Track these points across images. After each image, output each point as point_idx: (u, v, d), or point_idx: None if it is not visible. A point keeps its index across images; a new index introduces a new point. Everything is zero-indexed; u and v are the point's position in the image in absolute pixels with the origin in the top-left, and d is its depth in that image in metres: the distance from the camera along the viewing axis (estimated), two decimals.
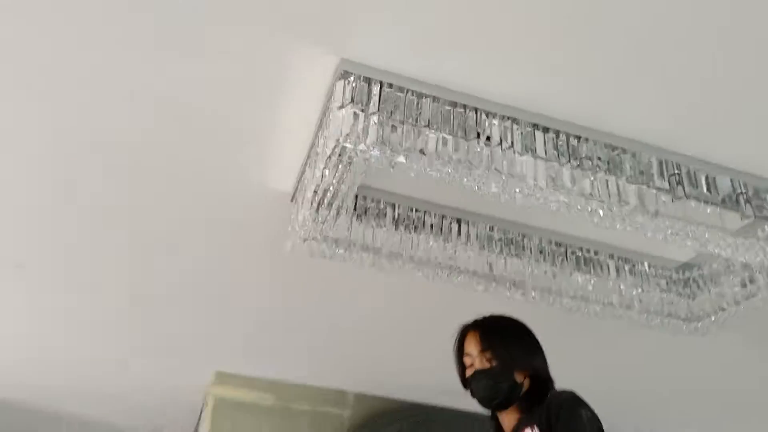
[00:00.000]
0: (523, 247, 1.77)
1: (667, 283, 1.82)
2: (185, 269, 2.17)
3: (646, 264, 1.83)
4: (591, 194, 1.33)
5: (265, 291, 2.31)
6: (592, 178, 1.34)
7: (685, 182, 1.46)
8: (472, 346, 1.50)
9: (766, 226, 1.57)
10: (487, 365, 1.46)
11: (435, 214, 1.71)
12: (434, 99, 1.31)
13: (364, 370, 3.11)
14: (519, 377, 1.45)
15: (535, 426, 1.36)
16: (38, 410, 3.73)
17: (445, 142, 1.28)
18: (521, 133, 1.31)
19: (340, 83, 1.26)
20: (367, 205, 1.64)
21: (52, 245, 2.07)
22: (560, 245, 1.80)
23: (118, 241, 2.01)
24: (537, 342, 1.53)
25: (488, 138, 1.27)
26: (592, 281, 1.79)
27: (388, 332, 2.52)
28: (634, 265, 1.83)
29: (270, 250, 1.81)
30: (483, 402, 1.49)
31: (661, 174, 1.45)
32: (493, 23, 1.15)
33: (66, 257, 2.14)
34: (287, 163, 1.57)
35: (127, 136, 1.54)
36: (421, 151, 1.23)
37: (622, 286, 1.80)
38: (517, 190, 1.31)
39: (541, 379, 1.46)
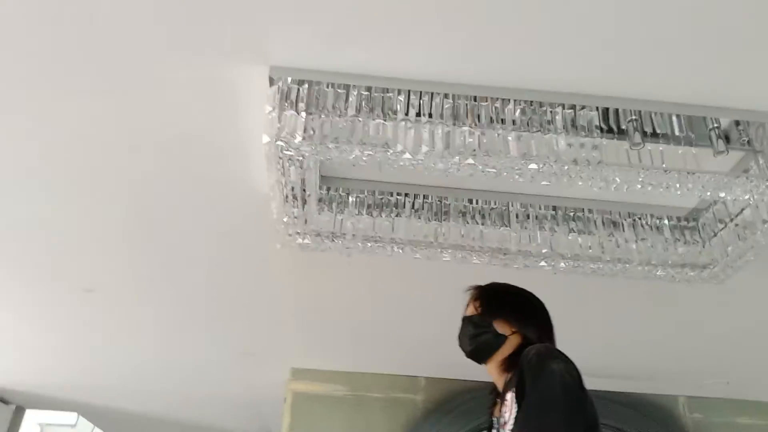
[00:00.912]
0: (529, 216, 1.78)
1: (677, 232, 1.74)
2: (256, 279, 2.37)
3: (648, 216, 1.77)
4: (535, 155, 1.33)
5: (327, 290, 2.45)
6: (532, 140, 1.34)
7: (648, 127, 1.42)
8: (470, 299, 1.54)
9: (759, 159, 1.49)
10: (472, 312, 1.50)
11: (429, 196, 1.76)
12: (364, 88, 1.37)
13: (434, 355, 3.16)
14: (502, 329, 1.45)
15: (513, 389, 1.29)
16: (142, 415, 4.15)
17: (378, 128, 1.35)
18: (451, 106, 1.34)
19: (273, 89, 1.35)
20: (349, 196, 1.72)
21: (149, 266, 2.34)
22: (555, 209, 1.79)
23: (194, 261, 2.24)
24: (539, 310, 1.51)
25: (417, 114, 1.32)
26: (602, 241, 1.75)
27: (452, 315, 2.55)
28: (639, 219, 1.77)
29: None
30: (464, 351, 1.49)
31: (616, 123, 1.42)
32: (394, 5, 1.19)
33: (152, 278, 2.42)
34: None
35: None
36: (348, 140, 1.30)
37: (632, 243, 1.74)
38: (455, 160, 1.34)
39: (532, 343, 1.39)
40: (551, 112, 1.37)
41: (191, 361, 3.38)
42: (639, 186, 1.39)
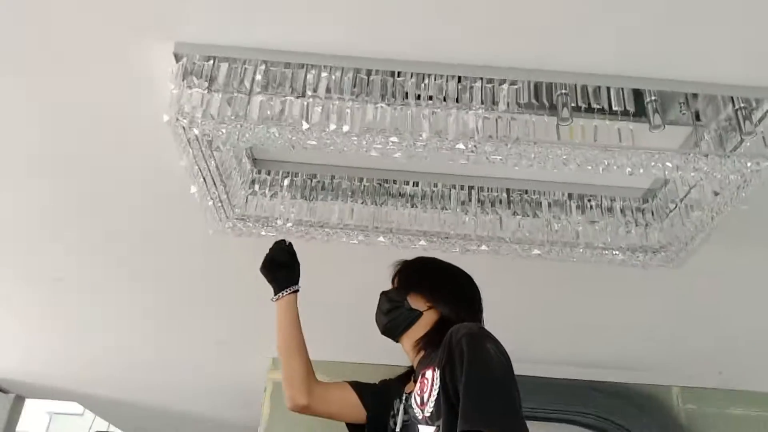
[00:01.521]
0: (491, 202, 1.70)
1: (628, 214, 1.65)
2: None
3: (601, 197, 1.68)
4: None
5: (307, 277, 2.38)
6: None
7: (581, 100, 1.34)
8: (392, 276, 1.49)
9: (704, 134, 1.39)
10: (390, 287, 1.46)
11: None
12: (269, 64, 1.31)
13: None
14: (416, 303, 1.38)
15: (435, 368, 1.21)
16: (135, 405, 4.18)
17: (285, 105, 1.28)
18: (351, 80, 1.27)
19: (177, 66, 1.30)
20: (284, 179, 1.66)
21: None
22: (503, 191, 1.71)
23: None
24: (463, 287, 1.43)
25: (314, 90, 1.25)
26: (553, 223, 1.67)
27: None
28: (588, 200, 1.68)
29: None
30: (378, 326, 1.44)
31: (548, 98, 1.33)
32: None
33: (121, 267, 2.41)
34: None
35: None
36: (244, 116, 1.24)
37: (578, 225, 1.66)
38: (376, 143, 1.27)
39: (451, 321, 1.30)
40: (470, 87, 1.29)
41: (171, 351, 3.37)
42: (572, 165, 1.30)
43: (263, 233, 1.63)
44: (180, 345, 3.30)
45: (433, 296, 1.39)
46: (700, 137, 1.40)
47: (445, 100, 1.28)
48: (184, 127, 1.26)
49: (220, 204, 1.54)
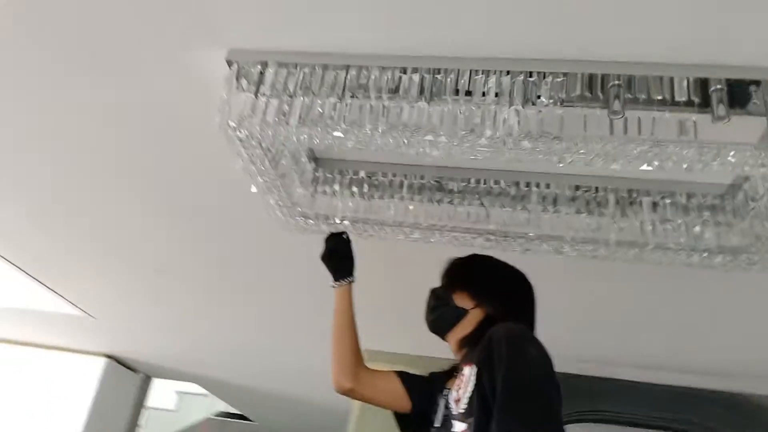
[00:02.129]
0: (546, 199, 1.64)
1: (706, 213, 1.52)
2: None
3: (679, 194, 1.56)
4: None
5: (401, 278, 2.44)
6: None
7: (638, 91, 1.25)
8: None
9: None
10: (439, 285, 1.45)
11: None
12: (325, 67, 1.34)
13: None
14: (462, 302, 1.37)
15: (472, 365, 1.19)
16: (248, 388, 4.43)
17: (337, 108, 1.31)
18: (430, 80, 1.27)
19: (229, 72, 1.36)
20: (343, 177, 1.70)
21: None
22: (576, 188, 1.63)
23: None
24: (515, 287, 1.40)
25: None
26: (614, 222, 1.58)
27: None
28: (663, 198, 1.56)
29: None
30: (426, 323, 1.45)
31: (601, 88, 1.26)
32: None
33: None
34: None
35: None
36: (287, 120, 1.28)
37: (648, 225, 1.55)
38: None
39: (496, 320, 1.28)
40: (512, 81, 1.25)
41: (276, 339, 3.56)
42: (620, 161, 1.22)
43: (325, 229, 1.68)
44: (284, 333, 3.46)
45: (479, 294, 1.37)
46: None
47: (484, 95, 1.24)
48: (233, 131, 1.32)
49: (281, 202, 1.61)
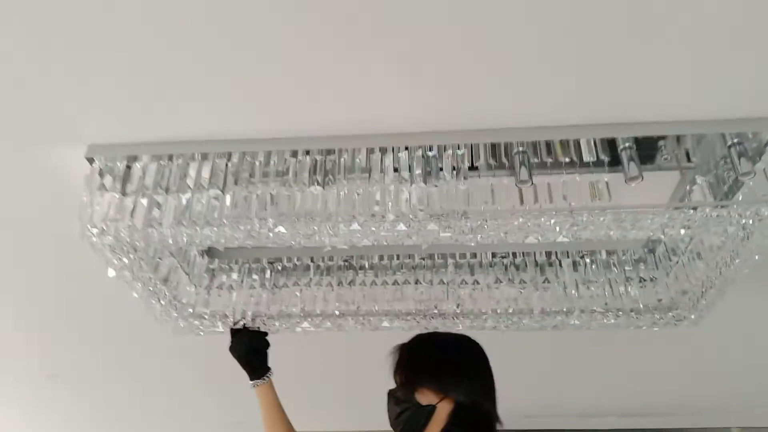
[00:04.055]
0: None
1: (629, 271, 1.45)
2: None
3: (599, 252, 1.48)
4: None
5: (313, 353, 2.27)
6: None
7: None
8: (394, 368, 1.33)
9: (696, 179, 1.20)
10: (394, 385, 1.30)
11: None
12: (204, 156, 1.18)
13: None
14: (425, 399, 1.22)
15: None
16: None
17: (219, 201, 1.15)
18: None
19: (90, 169, 1.19)
20: (240, 268, 1.53)
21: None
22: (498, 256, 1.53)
23: None
24: (469, 363, 1.28)
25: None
26: (542, 288, 1.48)
27: None
28: (584, 256, 1.48)
29: None
30: (393, 429, 1.29)
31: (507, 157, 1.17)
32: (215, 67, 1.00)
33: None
34: None
35: None
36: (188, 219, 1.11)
37: (572, 288, 1.46)
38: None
39: (467, 408, 1.20)
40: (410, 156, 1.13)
41: None
42: (533, 236, 1.12)
43: (221, 329, 1.49)
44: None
45: (442, 385, 1.23)
46: (690, 183, 1.20)
47: (382, 172, 1.12)
48: (98, 238, 1.14)
49: (168, 305, 1.41)
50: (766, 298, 1.73)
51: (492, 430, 1.22)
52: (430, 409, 1.22)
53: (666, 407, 2.83)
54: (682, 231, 1.07)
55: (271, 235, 1.12)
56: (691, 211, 1.06)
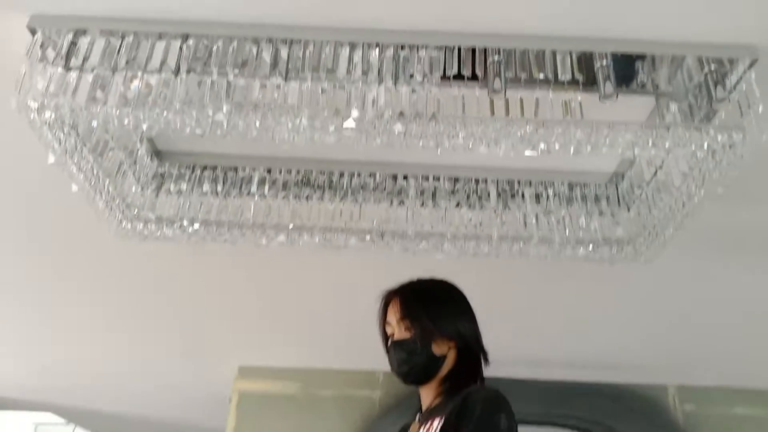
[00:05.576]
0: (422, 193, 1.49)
1: (590, 203, 1.43)
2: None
3: (560, 184, 1.45)
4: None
5: (274, 283, 2.25)
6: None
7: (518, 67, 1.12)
8: (392, 314, 1.31)
9: (670, 105, 1.17)
10: (404, 335, 1.28)
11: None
12: (159, 36, 1.10)
13: None
14: (439, 349, 1.26)
15: (442, 417, 1.16)
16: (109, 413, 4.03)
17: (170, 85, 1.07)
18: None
19: (33, 42, 1.08)
20: (192, 173, 1.45)
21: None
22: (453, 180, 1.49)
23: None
24: (467, 306, 1.32)
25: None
26: (503, 215, 1.45)
27: None
28: (545, 189, 1.46)
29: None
30: (400, 377, 1.31)
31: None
32: None
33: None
34: None
35: None
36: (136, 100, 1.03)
37: (532, 218, 1.44)
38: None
39: (470, 351, 1.27)
40: (382, 56, 1.07)
41: (137, 363, 3.19)
42: (504, 144, 1.08)
43: (169, 235, 1.42)
44: (145, 356, 3.11)
45: (457, 332, 1.28)
46: (665, 109, 1.18)
47: (349, 72, 1.06)
48: (36, 114, 1.04)
49: (112, 204, 1.33)
50: (716, 261, 1.76)
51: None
52: (444, 358, 1.27)
53: (606, 361, 2.89)
54: (653, 151, 1.05)
55: (225, 125, 1.05)
56: (664, 131, 1.03)
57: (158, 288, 2.33)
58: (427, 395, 1.28)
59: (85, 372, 3.42)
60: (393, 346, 1.29)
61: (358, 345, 2.83)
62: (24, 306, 2.54)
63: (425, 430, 1.21)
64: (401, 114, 1.01)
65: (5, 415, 4.61)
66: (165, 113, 1.01)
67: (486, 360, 1.29)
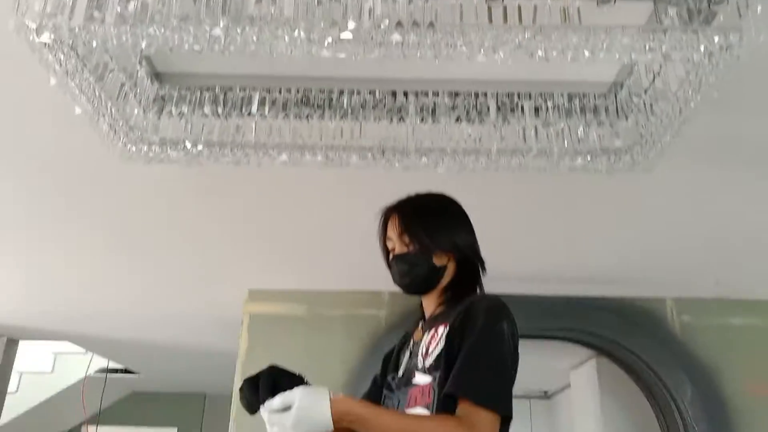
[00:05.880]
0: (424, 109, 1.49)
1: (588, 114, 1.44)
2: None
3: (565, 96, 1.46)
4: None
5: (281, 207, 2.29)
6: None
7: None
8: (392, 229, 1.35)
9: (668, 9, 1.16)
10: (405, 249, 1.32)
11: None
12: None
13: None
14: (439, 260, 1.31)
15: (447, 324, 1.21)
16: (124, 340, 4.17)
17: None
18: None
19: None
20: (191, 94, 1.46)
21: None
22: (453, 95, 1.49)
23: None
24: (464, 219, 1.35)
25: None
26: (502, 128, 1.47)
27: None
28: (547, 99, 1.46)
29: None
30: (402, 288, 1.36)
31: None
32: None
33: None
34: None
35: None
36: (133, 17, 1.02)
37: (537, 129, 1.45)
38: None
39: (469, 262, 1.32)
40: None
41: (150, 288, 3.29)
42: (502, 52, 1.08)
43: (174, 157, 1.44)
44: (159, 283, 3.19)
45: (453, 246, 1.31)
46: (663, 14, 1.17)
47: None
48: (35, 35, 1.05)
49: (116, 126, 1.35)
50: (713, 174, 1.77)
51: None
52: (444, 269, 1.31)
53: (605, 276, 2.96)
54: (650, 55, 1.05)
55: (222, 40, 1.05)
56: (661, 34, 1.03)
57: (170, 218, 2.38)
58: (430, 304, 1.34)
59: (100, 301, 3.53)
60: (395, 260, 1.34)
61: (365, 266, 2.91)
62: (39, 239, 2.60)
63: (430, 336, 1.26)
64: (399, 24, 1.01)
65: (25, 345, 4.76)
66: (163, 30, 1.01)
67: (483, 269, 1.34)
